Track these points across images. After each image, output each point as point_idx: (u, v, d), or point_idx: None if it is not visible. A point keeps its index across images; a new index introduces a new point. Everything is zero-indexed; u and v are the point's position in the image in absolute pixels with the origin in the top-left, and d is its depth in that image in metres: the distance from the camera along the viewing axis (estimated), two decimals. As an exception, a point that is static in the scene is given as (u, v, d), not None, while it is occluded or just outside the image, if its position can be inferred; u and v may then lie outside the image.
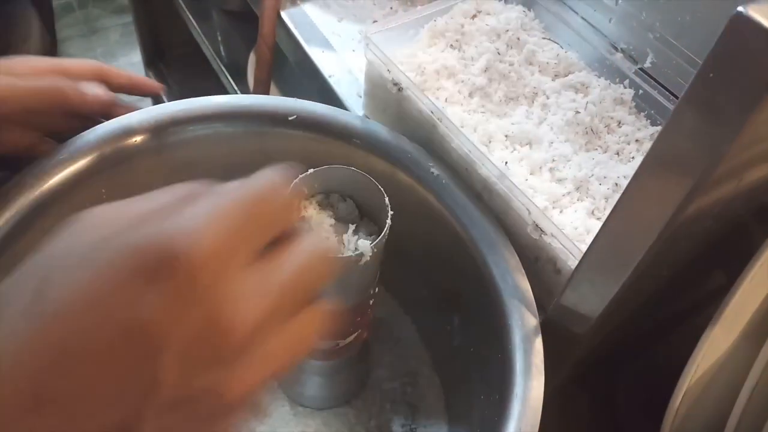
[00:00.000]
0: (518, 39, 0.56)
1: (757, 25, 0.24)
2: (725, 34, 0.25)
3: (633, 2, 0.54)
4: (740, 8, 0.25)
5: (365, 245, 0.39)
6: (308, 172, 0.41)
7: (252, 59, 0.93)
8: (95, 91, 0.45)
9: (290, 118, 0.51)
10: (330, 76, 0.61)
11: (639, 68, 0.55)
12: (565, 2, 0.60)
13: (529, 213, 0.45)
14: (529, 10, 0.59)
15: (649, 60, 0.54)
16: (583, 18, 0.58)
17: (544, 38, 0.58)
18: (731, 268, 0.40)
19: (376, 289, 0.47)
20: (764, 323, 0.40)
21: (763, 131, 0.28)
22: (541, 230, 0.44)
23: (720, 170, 0.29)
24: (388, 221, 0.40)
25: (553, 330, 0.43)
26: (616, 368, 0.57)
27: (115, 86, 0.49)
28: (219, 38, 1.09)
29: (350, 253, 0.39)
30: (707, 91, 0.27)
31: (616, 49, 0.56)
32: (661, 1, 0.52)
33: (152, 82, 0.53)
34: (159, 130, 0.49)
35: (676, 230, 0.33)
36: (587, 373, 0.55)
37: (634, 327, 0.51)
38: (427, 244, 0.53)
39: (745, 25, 0.25)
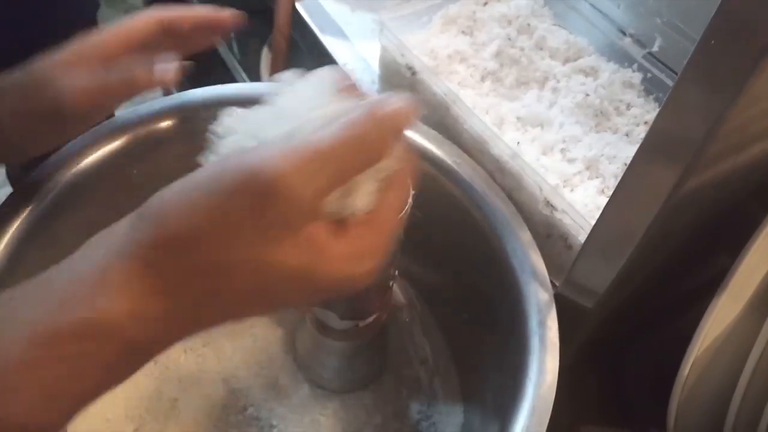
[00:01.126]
0: (528, 25, 0.57)
1: (755, -6, 0.26)
2: (725, 2, 0.27)
3: (641, -13, 0.55)
4: (740, -21, 0.26)
5: None
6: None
7: (265, 53, 0.95)
8: (162, 71, 0.42)
9: None
10: (344, 64, 0.63)
11: (647, 52, 0.56)
12: (574, -11, 0.61)
13: (541, 190, 0.46)
14: (539, -4, 0.61)
15: (657, 44, 0.55)
16: (591, 4, 0.60)
17: (554, 24, 0.59)
18: (736, 249, 0.41)
19: (396, 272, 0.48)
20: (770, 294, 0.41)
21: (760, 98, 0.29)
22: (553, 206, 0.46)
23: (719, 142, 0.30)
24: (410, 199, 0.41)
25: (562, 305, 0.44)
26: (624, 349, 0.58)
27: (185, 35, 0.46)
28: (232, 34, 1.11)
29: None
30: (708, 59, 0.28)
31: (624, 34, 0.57)
32: (668, -14, 0.53)
33: (223, 15, 0.47)
34: (190, 114, 0.50)
35: (680, 201, 0.35)
36: (596, 353, 0.56)
37: (642, 306, 0.53)
38: (444, 232, 0.54)
39: (744, -7, 0.26)
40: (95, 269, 0.25)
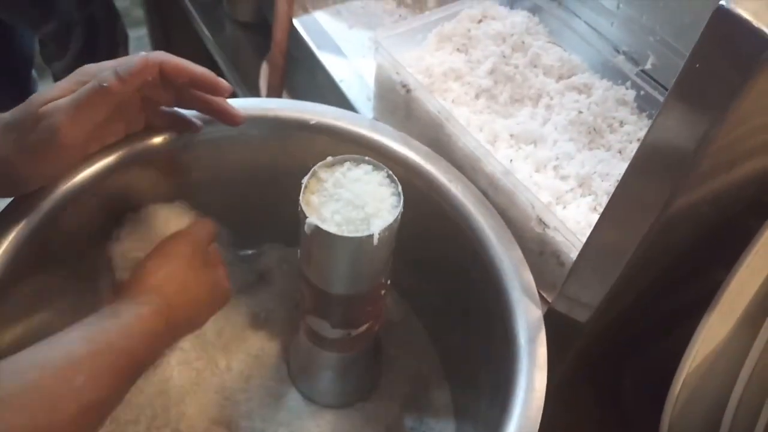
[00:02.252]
0: (523, 42, 0.58)
1: (737, 17, 0.26)
2: (709, 26, 0.27)
3: (634, 6, 0.56)
4: (722, 2, 0.27)
5: (376, 226, 0.40)
6: (326, 160, 0.43)
7: (264, 67, 0.96)
8: (126, 68, 0.42)
9: (311, 123, 0.53)
10: (341, 81, 0.64)
11: (640, 70, 0.56)
12: (568, 7, 0.62)
13: (533, 207, 0.46)
14: (534, 15, 0.61)
15: (650, 62, 0.56)
16: (586, 22, 0.60)
17: (548, 42, 0.60)
18: (732, 264, 0.41)
19: (388, 281, 0.48)
20: (760, 311, 0.41)
21: (746, 118, 0.30)
22: (545, 224, 0.46)
23: (708, 160, 0.31)
24: (400, 207, 0.42)
25: (556, 320, 0.44)
26: (623, 363, 0.58)
27: (178, 85, 0.46)
28: (231, 49, 1.12)
29: (360, 234, 0.40)
30: (694, 81, 0.29)
31: (618, 51, 0.58)
32: (661, 4, 0.54)
33: (219, 82, 0.47)
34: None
35: (671, 217, 0.35)
36: (594, 368, 0.56)
37: (639, 320, 0.53)
38: (438, 248, 0.54)
39: (726, 17, 0.26)
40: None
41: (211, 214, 0.52)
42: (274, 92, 0.71)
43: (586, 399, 0.58)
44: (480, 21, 0.59)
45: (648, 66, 0.56)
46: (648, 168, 0.33)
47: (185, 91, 0.47)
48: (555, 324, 0.44)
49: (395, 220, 0.42)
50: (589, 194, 0.50)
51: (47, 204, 0.45)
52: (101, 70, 0.42)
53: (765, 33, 0.26)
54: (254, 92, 1.04)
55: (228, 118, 0.49)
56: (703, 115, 0.29)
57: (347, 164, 0.44)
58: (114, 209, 0.51)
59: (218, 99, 0.48)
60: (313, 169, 0.43)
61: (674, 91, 0.30)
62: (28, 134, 0.41)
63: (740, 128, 0.31)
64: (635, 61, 0.57)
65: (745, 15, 0.26)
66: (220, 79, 0.47)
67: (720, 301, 0.40)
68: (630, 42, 0.57)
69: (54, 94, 0.42)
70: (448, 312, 0.58)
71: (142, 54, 0.44)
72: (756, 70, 0.27)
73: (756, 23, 0.26)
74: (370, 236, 0.40)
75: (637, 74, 0.56)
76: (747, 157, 0.37)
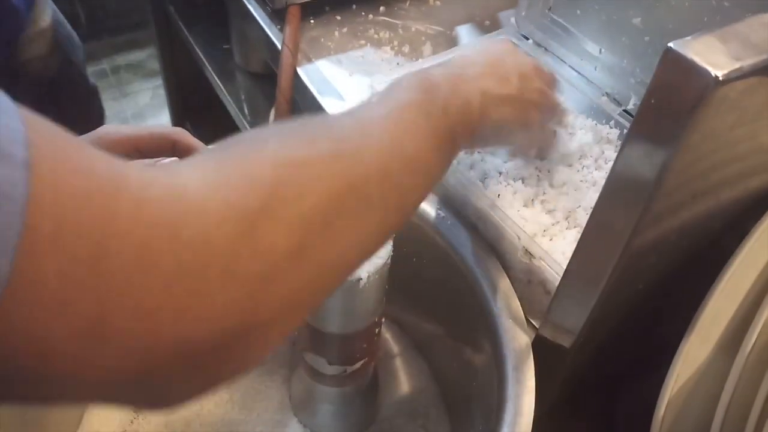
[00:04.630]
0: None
1: (683, 58, 0.29)
2: (660, 66, 0.30)
3: (615, 51, 0.59)
4: (671, 44, 0.30)
5: (364, 270, 0.43)
6: None
7: (272, 114, 1.00)
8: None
9: None
10: (341, 124, 0.67)
11: (623, 110, 0.59)
12: (555, 53, 0.65)
13: (519, 239, 0.49)
14: (523, 61, 0.65)
15: (632, 102, 0.59)
16: (571, 67, 0.64)
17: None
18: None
19: (382, 319, 0.51)
20: (738, 334, 0.42)
21: (700, 157, 0.32)
22: (531, 255, 0.48)
23: (669, 188, 0.33)
24: (389, 250, 0.45)
25: (543, 346, 0.46)
26: (615, 394, 0.59)
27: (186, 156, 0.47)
28: (243, 98, 1.17)
29: (349, 278, 0.43)
30: (650, 116, 0.31)
31: (602, 93, 0.61)
32: (640, 49, 0.57)
33: None
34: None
35: (641, 247, 0.37)
36: (586, 397, 0.57)
37: (628, 347, 0.54)
38: (432, 281, 0.56)
39: (674, 57, 0.29)
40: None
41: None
42: (278, 136, 0.75)
43: (578, 427, 0.59)
44: (471, 67, 0.63)
45: (630, 106, 0.59)
46: (616, 197, 0.36)
47: None
48: (543, 350, 0.46)
49: (384, 264, 0.44)
50: (575, 227, 0.52)
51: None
52: (117, 136, 0.44)
53: (709, 71, 0.29)
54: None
55: None
56: (659, 147, 0.32)
57: None
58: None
59: None
60: None
61: (634, 125, 0.33)
62: None
63: (694, 160, 0.34)
64: (618, 102, 0.60)
65: (691, 56, 0.29)
66: None
67: (697, 325, 0.42)
68: (612, 84, 0.60)
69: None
70: (446, 344, 0.60)
71: (165, 131, 0.45)
72: (702, 105, 0.29)
73: (701, 63, 0.29)
74: (358, 280, 0.42)
75: (620, 114, 0.59)
76: (709, 189, 0.39)
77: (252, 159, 0.26)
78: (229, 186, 0.24)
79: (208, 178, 0.24)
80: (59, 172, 0.20)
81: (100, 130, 0.45)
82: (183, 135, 0.46)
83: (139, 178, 0.22)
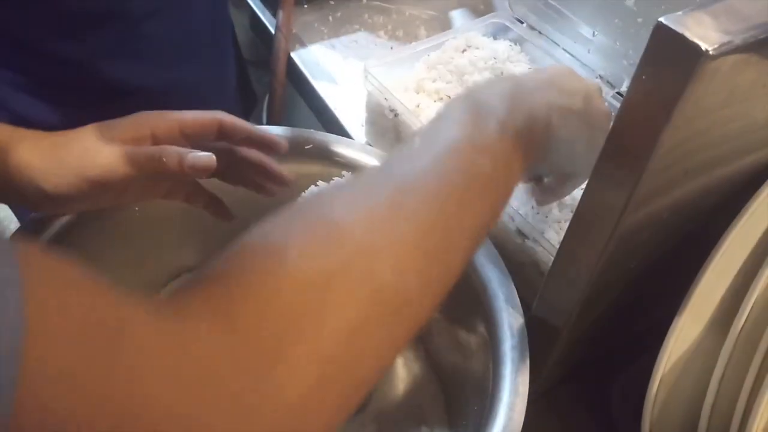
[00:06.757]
0: (502, 72, 0.61)
1: (673, 32, 0.29)
2: (651, 41, 0.30)
3: (608, 33, 0.60)
4: (661, 19, 0.30)
5: None
6: (318, 184, 0.46)
7: (267, 98, 1.00)
8: (193, 158, 0.42)
9: (306, 147, 0.56)
10: (335, 108, 0.67)
11: (616, 92, 0.59)
12: (548, 36, 0.65)
13: (513, 220, 0.49)
14: (516, 44, 0.65)
15: (625, 84, 0.59)
16: (564, 49, 0.64)
17: (530, 68, 0.63)
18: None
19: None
20: (729, 311, 0.43)
21: (690, 122, 0.33)
22: (524, 235, 0.49)
23: (661, 159, 0.34)
24: None
25: (538, 326, 0.47)
26: (611, 374, 0.60)
27: (235, 141, 0.47)
28: (235, 85, 1.16)
29: None
30: (641, 89, 0.32)
31: (595, 76, 0.61)
32: (632, 31, 0.57)
33: (276, 139, 0.49)
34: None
35: (634, 222, 0.37)
36: (582, 378, 0.57)
37: (623, 328, 0.55)
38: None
39: (664, 32, 0.29)
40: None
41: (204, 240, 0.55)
42: (273, 120, 0.75)
43: (574, 410, 0.59)
44: (464, 51, 0.63)
45: (623, 88, 0.59)
46: (608, 174, 0.36)
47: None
48: (537, 330, 0.46)
49: None
50: (570, 212, 0.52)
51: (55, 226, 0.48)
52: (162, 120, 0.44)
53: (699, 45, 0.29)
54: (258, 120, 1.08)
55: (273, 144, 0.50)
56: (650, 122, 0.32)
57: None
58: (122, 231, 0.54)
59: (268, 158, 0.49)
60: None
61: (626, 100, 0.33)
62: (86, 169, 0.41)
63: (687, 137, 0.34)
64: (611, 84, 0.60)
65: (682, 30, 0.29)
66: (279, 138, 0.49)
67: (689, 303, 0.42)
68: (605, 66, 0.60)
69: (113, 135, 0.42)
70: (438, 325, 0.60)
71: (208, 114, 0.45)
72: (693, 80, 0.29)
73: (691, 37, 0.29)
74: None
75: (613, 96, 0.59)
76: (701, 167, 0.40)
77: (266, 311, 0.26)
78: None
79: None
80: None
81: (141, 117, 0.44)
82: (228, 117, 0.45)
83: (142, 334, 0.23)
